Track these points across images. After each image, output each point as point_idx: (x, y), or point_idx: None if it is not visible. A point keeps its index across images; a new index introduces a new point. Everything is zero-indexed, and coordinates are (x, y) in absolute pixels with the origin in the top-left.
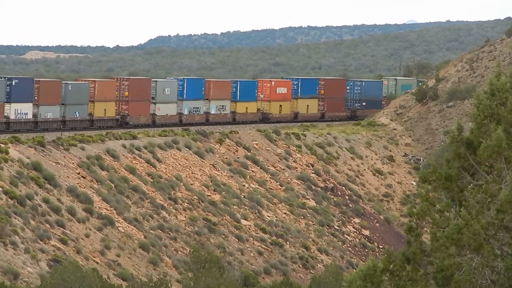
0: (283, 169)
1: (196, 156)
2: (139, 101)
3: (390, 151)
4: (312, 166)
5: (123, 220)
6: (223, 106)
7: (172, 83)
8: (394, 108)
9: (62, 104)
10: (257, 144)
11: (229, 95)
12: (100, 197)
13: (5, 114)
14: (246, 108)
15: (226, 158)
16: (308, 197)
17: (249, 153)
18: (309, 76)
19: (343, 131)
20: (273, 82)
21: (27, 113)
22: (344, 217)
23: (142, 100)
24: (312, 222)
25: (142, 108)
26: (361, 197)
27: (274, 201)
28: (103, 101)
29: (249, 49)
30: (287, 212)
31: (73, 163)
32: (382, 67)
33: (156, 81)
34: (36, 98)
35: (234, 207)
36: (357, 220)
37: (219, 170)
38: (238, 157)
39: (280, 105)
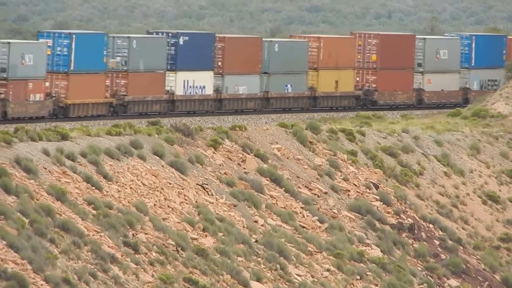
0: (325, 192)
1: (173, 170)
2: (396, 69)
3: None
4: (377, 187)
5: (43, 282)
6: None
7: (451, 42)
8: None
9: (264, 73)
10: (279, 150)
11: None
12: (4, 242)
13: (168, 88)
14: None
15: (225, 173)
16: (368, 241)
17: (265, 165)
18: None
19: (430, 126)
20: None
21: (204, 87)
22: (432, 276)
23: (400, 69)
24: (376, 285)
25: (400, 80)
26: (461, 243)
27: (309, 248)
28: (334, 69)
29: None
30: (332, 268)
31: None
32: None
33: (424, 38)
34: (220, 64)
35: (239, 259)
36: (454, 282)
37: (212, 195)
38: (246, 172)
39: None
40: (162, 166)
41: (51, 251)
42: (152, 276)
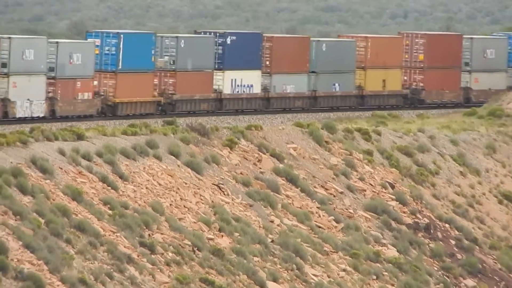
0: (341, 192)
1: (189, 169)
2: (443, 68)
3: None
4: (392, 187)
5: (60, 283)
6: None
7: (498, 42)
8: None
9: (312, 72)
10: (295, 149)
11: None
12: (20, 243)
13: (215, 87)
14: None
15: (241, 173)
16: (385, 241)
17: (281, 165)
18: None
19: (446, 125)
20: None
21: (252, 86)
22: (448, 276)
23: (447, 68)
24: (393, 285)
25: (446, 79)
26: (477, 242)
27: (326, 248)
28: (381, 68)
29: None
30: (348, 268)
31: None
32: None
33: (471, 38)
34: (267, 63)
35: (255, 259)
36: (471, 282)
37: (228, 195)
38: (262, 172)
39: None
40: (178, 166)
41: (67, 252)
42: (169, 276)
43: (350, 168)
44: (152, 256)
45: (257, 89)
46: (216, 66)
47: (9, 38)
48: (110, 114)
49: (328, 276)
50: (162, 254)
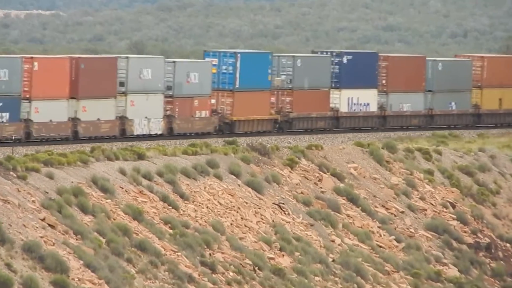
0: (402, 212)
1: (250, 189)
2: None
3: None
4: (453, 207)
5: None
6: None
7: None
8: None
9: (428, 91)
10: (356, 169)
11: None
12: (81, 262)
13: (332, 105)
14: None
15: (301, 192)
16: (446, 261)
17: (341, 185)
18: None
19: (507, 145)
20: None
21: (368, 104)
22: None
23: None
24: None
25: None
26: None
27: (386, 268)
28: (497, 87)
29: (339, 2)
30: None
31: (33, 201)
32: None
33: None
34: (384, 82)
35: (316, 278)
36: None
37: (289, 215)
38: (322, 192)
39: None
40: (239, 185)
41: (128, 271)
42: None
43: (410, 188)
44: (213, 275)
45: (373, 107)
46: (333, 85)
47: (127, 58)
48: (227, 132)
49: None
50: (223, 273)
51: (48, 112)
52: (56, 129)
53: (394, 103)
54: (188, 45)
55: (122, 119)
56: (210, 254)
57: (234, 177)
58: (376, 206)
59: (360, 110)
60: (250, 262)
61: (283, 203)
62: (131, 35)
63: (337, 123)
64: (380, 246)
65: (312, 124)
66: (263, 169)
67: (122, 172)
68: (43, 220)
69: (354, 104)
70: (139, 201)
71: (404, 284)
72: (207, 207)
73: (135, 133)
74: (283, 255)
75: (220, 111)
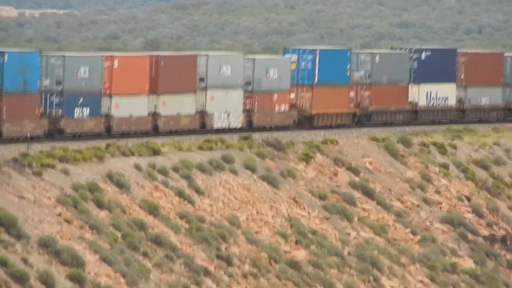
0: (417, 205)
1: (265, 184)
2: None
3: None
4: (469, 200)
5: None
6: None
7: None
8: None
9: (506, 85)
10: (371, 163)
11: None
12: (97, 256)
13: (411, 100)
14: None
15: (317, 187)
16: (461, 253)
17: (357, 179)
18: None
19: None
20: None
21: (447, 98)
22: None
23: None
24: None
25: None
26: None
27: (402, 260)
28: None
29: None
30: (425, 280)
31: (49, 197)
32: None
33: None
34: (462, 76)
35: (332, 271)
36: None
37: (305, 209)
38: (338, 186)
39: None
40: (254, 180)
41: (144, 265)
42: None
43: (426, 181)
44: (229, 268)
45: (452, 101)
46: (412, 80)
47: (206, 55)
48: (307, 125)
49: None
50: (239, 266)
51: (128, 107)
52: (136, 123)
53: (472, 97)
54: (202, 43)
55: (202, 113)
56: (225, 248)
57: (250, 172)
58: (391, 200)
59: (439, 104)
60: (266, 255)
61: (299, 198)
62: (145, 33)
63: (416, 117)
64: (396, 239)
65: (390, 118)
66: (278, 164)
67: (138, 167)
68: (59, 215)
69: (433, 98)
70: (154, 196)
71: (420, 276)
72: (222, 202)
73: (215, 126)
74: (298, 249)
75: (299, 105)
